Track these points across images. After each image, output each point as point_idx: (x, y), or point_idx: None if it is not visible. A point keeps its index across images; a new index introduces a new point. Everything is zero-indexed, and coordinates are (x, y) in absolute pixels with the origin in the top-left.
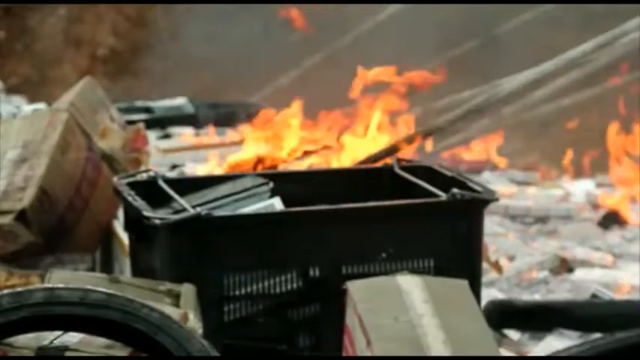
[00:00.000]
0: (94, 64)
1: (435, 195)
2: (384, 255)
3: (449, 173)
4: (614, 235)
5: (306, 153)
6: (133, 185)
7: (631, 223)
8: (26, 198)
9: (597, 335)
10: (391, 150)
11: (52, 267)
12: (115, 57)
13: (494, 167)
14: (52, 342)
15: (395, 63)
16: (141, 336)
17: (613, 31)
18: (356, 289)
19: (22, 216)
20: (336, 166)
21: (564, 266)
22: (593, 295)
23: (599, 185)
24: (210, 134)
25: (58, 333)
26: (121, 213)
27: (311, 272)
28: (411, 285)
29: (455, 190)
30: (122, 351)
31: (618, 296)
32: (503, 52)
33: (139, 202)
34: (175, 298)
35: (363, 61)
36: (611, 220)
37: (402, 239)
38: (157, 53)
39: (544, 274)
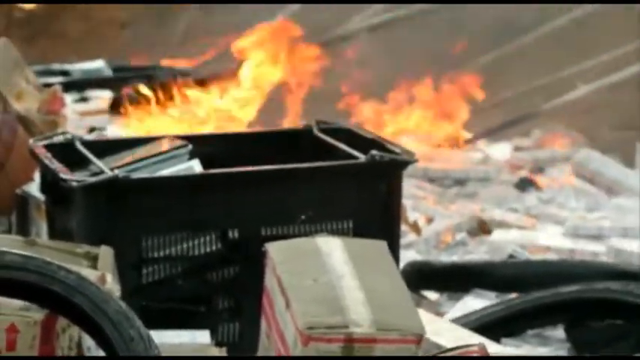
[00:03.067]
0: (9, 28)
1: (354, 157)
2: (303, 217)
3: (368, 135)
4: (530, 197)
5: None
6: (49, 147)
7: (545, 186)
8: None
9: (513, 295)
10: None
11: None
12: (31, 20)
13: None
14: None
15: None
16: (58, 298)
17: None
18: (275, 250)
19: None
20: (256, 129)
21: (484, 228)
22: (510, 256)
23: (516, 149)
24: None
25: None
26: (37, 175)
27: (230, 234)
28: (330, 246)
29: (374, 152)
30: (38, 313)
31: (534, 256)
32: None
33: (55, 165)
34: (93, 261)
35: None
36: (528, 182)
37: (322, 201)
38: (76, 16)
39: (462, 235)
